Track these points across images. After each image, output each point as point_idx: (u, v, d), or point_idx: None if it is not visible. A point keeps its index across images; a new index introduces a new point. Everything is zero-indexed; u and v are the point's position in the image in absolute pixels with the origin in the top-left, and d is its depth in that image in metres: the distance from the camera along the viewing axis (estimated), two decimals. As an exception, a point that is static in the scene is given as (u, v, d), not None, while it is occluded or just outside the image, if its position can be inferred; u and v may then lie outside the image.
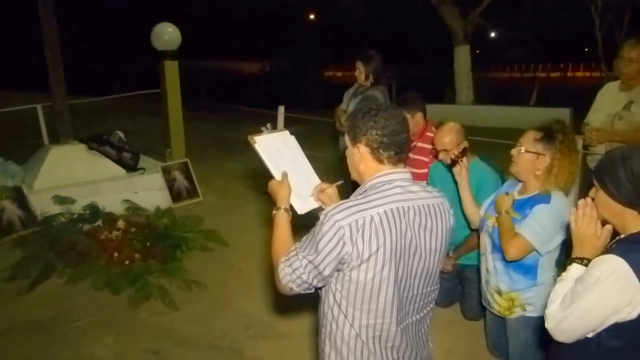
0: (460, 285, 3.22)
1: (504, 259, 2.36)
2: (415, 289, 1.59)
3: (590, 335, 1.50)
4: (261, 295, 3.55)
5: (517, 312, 2.42)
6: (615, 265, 1.42)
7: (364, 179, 1.62)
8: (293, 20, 28.31)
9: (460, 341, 3.00)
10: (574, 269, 1.58)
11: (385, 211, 1.49)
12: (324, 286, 1.59)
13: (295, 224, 1.73)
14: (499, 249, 2.38)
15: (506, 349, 2.57)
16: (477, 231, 2.68)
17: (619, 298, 1.42)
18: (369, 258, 1.47)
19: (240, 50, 31.55)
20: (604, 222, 1.57)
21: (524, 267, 2.36)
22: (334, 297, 1.57)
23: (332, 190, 1.89)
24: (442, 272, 3.07)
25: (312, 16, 28.73)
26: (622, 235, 1.54)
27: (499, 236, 2.36)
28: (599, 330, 1.48)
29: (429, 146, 3.20)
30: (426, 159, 3.33)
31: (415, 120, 3.38)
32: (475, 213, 2.65)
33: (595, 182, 1.57)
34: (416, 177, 3.25)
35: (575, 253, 1.61)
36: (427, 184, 3.19)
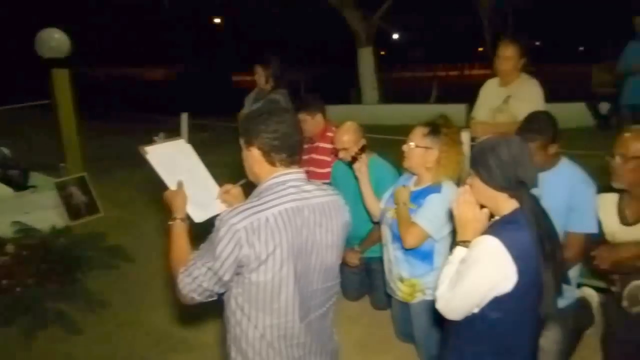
0: (367, 278, 3.33)
1: (403, 247, 2.49)
2: (315, 284, 1.63)
3: (475, 310, 1.63)
4: (171, 309, 3.43)
5: (419, 297, 2.57)
6: (490, 244, 1.56)
7: (260, 180, 1.64)
8: (199, 26, 27.63)
9: (371, 331, 3.11)
10: (458, 252, 1.70)
11: (279, 211, 1.52)
12: (225, 292, 1.58)
13: (195, 233, 1.71)
14: (398, 238, 2.51)
15: (412, 332, 2.72)
16: (379, 224, 2.80)
17: (495, 273, 1.55)
18: (266, 259, 1.49)
19: (143, 56, 30.23)
20: (483, 207, 1.70)
21: (421, 253, 2.50)
22: (236, 301, 1.57)
23: (236, 190, 1.91)
24: (349, 266, 3.19)
25: (217, 20, 28.17)
26: (497, 217, 1.69)
27: (398, 226, 2.49)
28: (482, 305, 1.61)
29: (330, 146, 3.28)
30: (328, 159, 3.42)
31: (315, 121, 3.46)
32: (376, 206, 2.78)
33: (471, 170, 1.70)
34: (319, 177, 3.34)
35: (459, 237, 1.74)
36: (330, 182, 3.28)
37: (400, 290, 2.61)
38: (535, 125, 2.40)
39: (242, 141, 1.66)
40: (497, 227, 1.62)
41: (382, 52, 19.59)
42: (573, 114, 8.33)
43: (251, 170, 1.67)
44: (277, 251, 1.50)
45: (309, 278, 1.60)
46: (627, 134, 2.27)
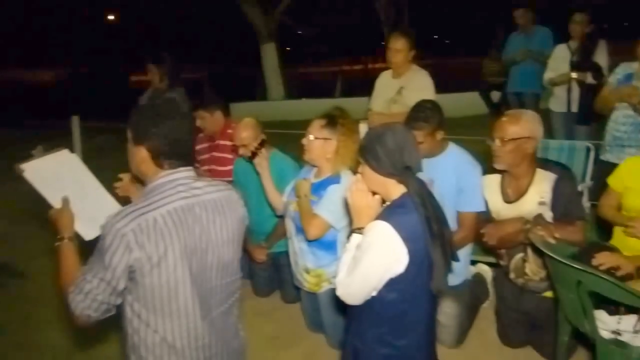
0: (276, 273, 3.33)
1: (307, 239, 2.52)
2: (214, 281, 1.60)
3: (374, 294, 1.68)
4: (68, 325, 3.19)
5: (325, 286, 2.62)
6: (381, 228, 1.61)
7: (146, 180, 1.58)
8: (93, 22, 25.86)
9: (282, 325, 3.11)
10: (354, 239, 1.75)
11: (168, 211, 1.48)
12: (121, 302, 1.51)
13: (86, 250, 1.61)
14: (302, 230, 2.54)
15: (322, 322, 2.76)
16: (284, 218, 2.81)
17: (387, 256, 1.61)
18: (159, 261, 1.45)
19: (28, 57, 27.77)
20: (375, 193, 1.76)
21: (325, 244, 2.55)
22: (132, 309, 1.51)
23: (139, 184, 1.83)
24: (257, 263, 3.17)
25: (111, 17, 26.51)
26: (387, 203, 1.75)
27: (300, 219, 2.51)
28: (379, 287, 1.67)
29: (231, 143, 3.24)
30: (229, 156, 3.37)
31: (214, 119, 3.38)
32: (278, 200, 2.79)
33: (360, 159, 1.76)
34: (221, 174, 3.29)
35: (354, 224, 1.79)
36: (233, 179, 3.24)
37: (307, 281, 2.65)
38: (422, 114, 2.53)
39: (129, 135, 1.58)
40: (387, 211, 1.68)
41: (288, 49, 19.65)
42: (468, 103, 8.86)
43: (137, 168, 1.60)
44: (169, 252, 1.45)
45: (206, 276, 1.57)
46: (504, 119, 2.47)
